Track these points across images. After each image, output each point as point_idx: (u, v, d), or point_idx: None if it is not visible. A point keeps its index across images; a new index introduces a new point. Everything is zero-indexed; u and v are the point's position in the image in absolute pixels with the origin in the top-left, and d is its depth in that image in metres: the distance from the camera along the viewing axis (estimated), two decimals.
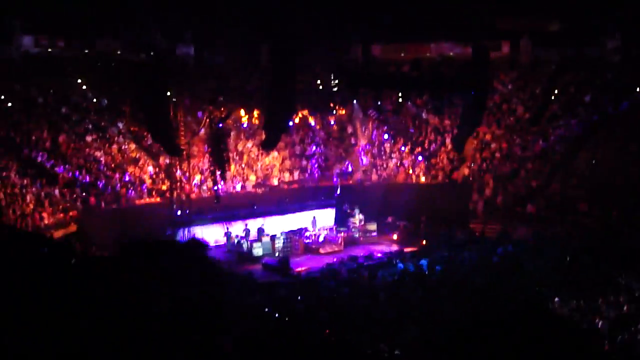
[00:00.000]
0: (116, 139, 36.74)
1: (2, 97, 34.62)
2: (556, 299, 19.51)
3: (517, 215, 33.76)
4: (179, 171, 35.36)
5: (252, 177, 38.52)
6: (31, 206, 28.92)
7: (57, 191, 31.09)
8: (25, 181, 30.24)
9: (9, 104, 34.55)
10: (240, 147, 40.01)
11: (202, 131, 36.84)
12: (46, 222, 28.61)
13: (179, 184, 34.94)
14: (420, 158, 39.48)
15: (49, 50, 39.57)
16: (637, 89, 37.17)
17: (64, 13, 38.71)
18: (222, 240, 33.95)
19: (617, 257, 24.40)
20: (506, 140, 38.14)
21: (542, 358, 15.18)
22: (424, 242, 33.24)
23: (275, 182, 38.99)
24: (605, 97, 37.80)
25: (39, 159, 32.59)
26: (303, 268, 29.88)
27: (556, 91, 39.56)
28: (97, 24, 40.58)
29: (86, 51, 40.29)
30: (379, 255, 31.49)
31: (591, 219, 31.29)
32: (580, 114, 37.65)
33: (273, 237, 33.31)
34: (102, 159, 34.80)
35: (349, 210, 36.29)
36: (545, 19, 44.03)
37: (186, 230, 32.55)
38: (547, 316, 18.24)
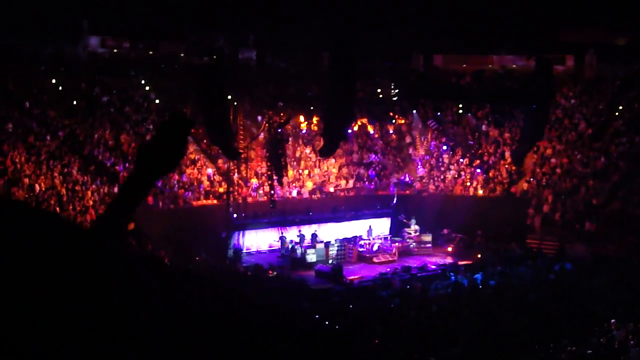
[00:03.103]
0: None
1: (68, 95, 35.37)
2: (612, 320, 19.09)
3: (575, 232, 33.15)
4: (236, 174, 35.61)
5: (309, 184, 38.58)
6: (91, 203, 29.37)
7: (116, 189, 31.52)
8: (86, 178, 30.76)
9: (74, 102, 35.25)
10: (298, 153, 40.17)
11: (261, 136, 37.07)
12: None
13: (236, 187, 35.18)
14: (478, 171, 39.08)
15: (115, 50, 40.42)
16: None
17: (130, 15, 39.53)
18: (276, 245, 34.08)
19: None
20: (567, 156, 37.48)
21: None
22: (479, 255, 32.85)
23: (331, 189, 39.00)
24: None
25: (100, 157, 33.15)
26: (356, 276, 29.76)
27: (620, 107, 38.78)
28: (162, 27, 41.34)
29: (150, 52, 41.05)
30: (433, 267, 31.27)
31: None
32: None
33: (327, 244, 33.30)
34: None
35: (404, 220, 36.08)
36: (612, 33, 43.24)
37: (241, 233, 32.79)
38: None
